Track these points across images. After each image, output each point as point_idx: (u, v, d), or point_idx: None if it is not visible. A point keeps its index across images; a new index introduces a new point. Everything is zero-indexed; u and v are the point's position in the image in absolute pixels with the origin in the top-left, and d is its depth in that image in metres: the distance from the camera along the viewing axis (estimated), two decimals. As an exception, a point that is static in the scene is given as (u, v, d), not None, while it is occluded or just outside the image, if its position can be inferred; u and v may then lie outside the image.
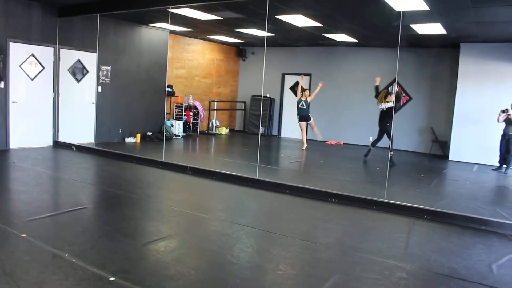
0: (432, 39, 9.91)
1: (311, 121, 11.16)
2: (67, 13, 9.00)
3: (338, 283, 3.37)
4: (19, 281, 3.02)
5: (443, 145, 11.13)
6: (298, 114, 11.13)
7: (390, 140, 8.69)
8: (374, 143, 9.67)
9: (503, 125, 9.00)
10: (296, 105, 11.21)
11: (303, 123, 11.12)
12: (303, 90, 11.05)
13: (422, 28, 8.55)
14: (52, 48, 9.12)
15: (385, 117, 9.24)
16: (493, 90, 9.98)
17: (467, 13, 7.00)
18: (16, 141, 8.64)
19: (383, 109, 9.26)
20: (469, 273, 3.70)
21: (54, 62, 9.20)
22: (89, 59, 9.83)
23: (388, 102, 9.16)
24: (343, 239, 4.50)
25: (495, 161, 9.40)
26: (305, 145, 11.17)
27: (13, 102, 8.50)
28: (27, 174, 6.60)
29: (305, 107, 10.96)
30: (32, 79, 8.84)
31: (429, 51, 11.44)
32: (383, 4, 6.75)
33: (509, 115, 8.77)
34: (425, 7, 6.67)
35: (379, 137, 9.53)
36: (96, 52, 9.74)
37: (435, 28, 8.45)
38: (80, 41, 9.59)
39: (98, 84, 9.99)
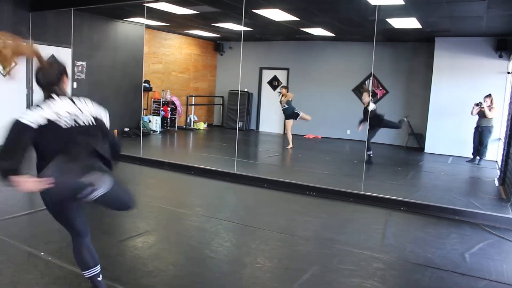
0: (408, 33, 10.04)
1: (301, 115, 10.32)
2: (40, 7, 8.80)
3: (315, 275, 3.40)
4: (-8, 280, 2.97)
5: (419, 137, 11.31)
6: (284, 114, 10.48)
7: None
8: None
9: (477, 118, 9.18)
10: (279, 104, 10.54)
11: (290, 121, 10.43)
12: (282, 94, 10.33)
13: (398, 22, 8.65)
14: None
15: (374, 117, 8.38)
16: (467, 84, 10.17)
17: (441, 7, 7.10)
18: (-12, 138, 8.44)
19: (371, 110, 8.31)
20: (443, 262, 3.79)
21: (27, 58, 8.99)
22: (64, 54, 9.64)
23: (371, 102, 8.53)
24: (321, 232, 4.54)
25: (469, 153, 9.59)
26: (291, 144, 10.39)
27: (-16, 99, 8.30)
28: (1, 172, 6.45)
29: (287, 106, 10.26)
30: (4, 76, 8.62)
31: (405, 45, 11.57)
32: (359, -2, 6.81)
33: (482, 108, 8.94)
34: (400, 1, 6.74)
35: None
36: (70, 48, 9.56)
37: (411, 23, 8.54)
38: (54, 36, 9.40)
39: (73, 80, 9.82)
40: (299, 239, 4.25)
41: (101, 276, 2.68)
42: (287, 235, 4.34)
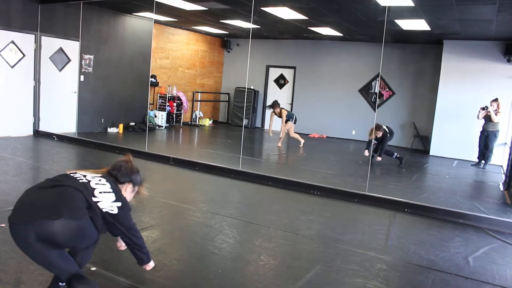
0: (416, 35, 10.00)
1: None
2: (49, 0, 8.84)
3: (319, 274, 3.40)
4: (-2, 270, 2.99)
5: (425, 140, 11.28)
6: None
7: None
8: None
9: (483, 121, 9.15)
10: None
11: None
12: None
13: (407, 24, 8.62)
14: (33, 36, 8.95)
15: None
16: (473, 87, 10.14)
17: (451, 10, 7.08)
18: (-5, 129, 8.50)
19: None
20: (446, 265, 3.78)
21: (35, 49, 9.03)
22: (71, 47, 9.67)
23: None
24: (325, 231, 4.54)
25: (474, 156, 9.56)
26: (302, 140, 10.47)
27: (-8, 90, 8.35)
28: (6, 163, 6.49)
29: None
30: (12, 67, 8.67)
31: (413, 47, 11.54)
32: (369, -1, 6.79)
33: (489, 112, 8.91)
34: (410, 3, 6.72)
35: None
36: (78, 41, 9.59)
37: (420, 24, 8.52)
38: (62, 29, 9.43)
39: (80, 73, 9.85)
40: (303, 237, 4.25)
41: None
42: (291, 233, 4.34)
